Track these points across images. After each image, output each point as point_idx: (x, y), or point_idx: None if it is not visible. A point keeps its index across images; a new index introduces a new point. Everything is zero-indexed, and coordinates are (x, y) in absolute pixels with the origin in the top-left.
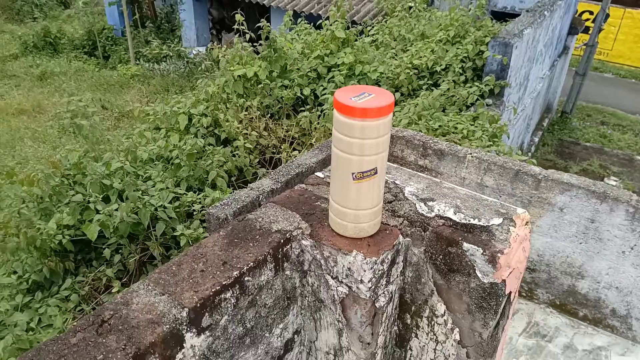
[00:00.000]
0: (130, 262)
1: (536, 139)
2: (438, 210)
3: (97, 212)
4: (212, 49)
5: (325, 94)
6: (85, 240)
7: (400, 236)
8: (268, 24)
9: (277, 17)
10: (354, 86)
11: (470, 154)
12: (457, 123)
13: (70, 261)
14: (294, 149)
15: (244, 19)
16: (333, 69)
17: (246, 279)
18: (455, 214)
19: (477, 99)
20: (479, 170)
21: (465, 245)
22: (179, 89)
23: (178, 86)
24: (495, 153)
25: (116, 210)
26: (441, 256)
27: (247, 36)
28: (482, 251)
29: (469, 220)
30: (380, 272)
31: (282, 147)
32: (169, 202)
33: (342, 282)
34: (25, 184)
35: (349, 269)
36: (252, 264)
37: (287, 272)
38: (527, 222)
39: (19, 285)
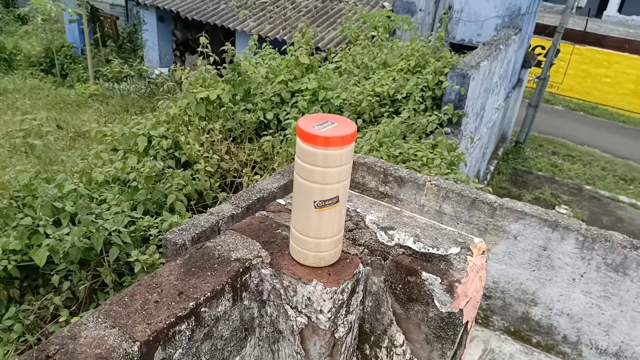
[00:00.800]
0: (80, 289)
1: (492, 168)
2: (398, 239)
3: (47, 236)
4: (175, 70)
5: (288, 118)
6: (32, 266)
7: (361, 265)
8: (233, 47)
9: (242, 41)
10: (317, 114)
11: (430, 181)
12: (417, 150)
13: (15, 288)
14: (256, 173)
15: (208, 41)
16: (297, 94)
17: (202, 310)
18: (415, 242)
19: (437, 127)
20: (437, 197)
21: (424, 274)
22: (139, 110)
23: (138, 107)
24: (454, 181)
25: (67, 234)
26: (400, 285)
27: (211, 59)
28: (440, 280)
29: (428, 250)
30: (340, 302)
31: (244, 171)
32: (124, 226)
33: (301, 312)
34: None
35: (309, 298)
36: (209, 294)
37: (246, 302)
38: (483, 252)
39: None
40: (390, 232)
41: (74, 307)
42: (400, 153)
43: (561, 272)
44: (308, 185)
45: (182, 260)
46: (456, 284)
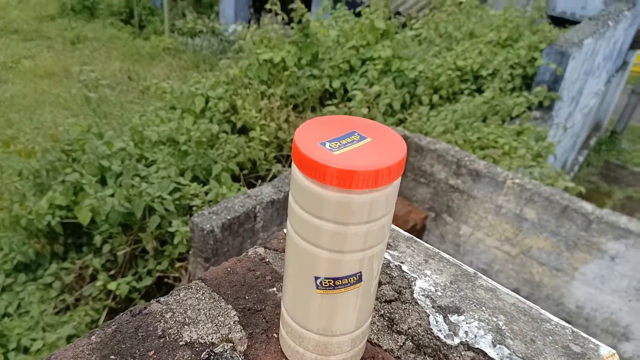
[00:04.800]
0: (120, 254)
1: (581, 158)
2: (465, 332)
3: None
4: (243, 28)
5: (355, 88)
6: (77, 224)
7: None
8: (303, 5)
9: (318, 0)
10: (336, 117)
11: (512, 179)
12: (498, 136)
13: (59, 244)
14: None
15: None
16: (368, 62)
17: None
18: (495, 345)
19: (524, 111)
20: (519, 199)
21: None
22: (209, 67)
23: (209, 64)
24: (539, 176)
25: (111, 195)
26: None
27: (280, 17)
28: None
29: None
30: None
31: None
32: (170, 192)
33: None
34: (23, 155)
35: None
36: None
37: None
38: None
39: (2, 265)
40: (454, 317)
41: (114, 271)
42: (478, 138)
43: None
44: (307, 249)
45: (100, 337)
46: None
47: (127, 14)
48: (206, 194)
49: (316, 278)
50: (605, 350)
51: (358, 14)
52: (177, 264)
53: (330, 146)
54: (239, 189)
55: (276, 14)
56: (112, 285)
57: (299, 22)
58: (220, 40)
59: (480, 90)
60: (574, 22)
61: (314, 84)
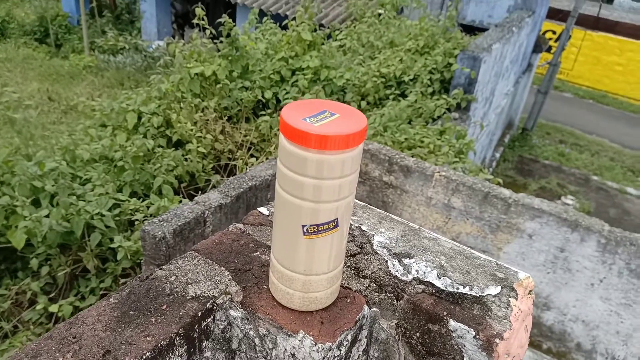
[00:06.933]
0: (60, 275)
1: (497, 155)
2: (417, 271)
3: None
4: (169, 43)
5: (287, 98)
6: (10, 248)
7: (366, 307)
8: (230, 19)
9: (243, 15)
10: (311, 100)
11: (439, 172)
12: (423, 137)
13: None
14: (252, 156)
15: (205, 13)
16: (297, 73)
17: None
18: (440, 277)
19: (444, 112)
20: (446, 190)
21: (452, 323)
22: (134, 84)
23: (134, 80)
24: (462, 171)
25: (46, 216)
26: (418, 334)
27: (208, 32)
28: (474, 333)
29: (457, 288)
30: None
31: (239, 153)
32: (109, 209)
33: None
34: None
35: (293, 355)
36: (149, 354)
37: (207, 354)
38: (530, 291)
39: None
40: (407, 260)
41: (54, 294)
42: (405, 139)
43: (579, 276)
44: (294, 203)
45: (117, 299)
46: (496, 340)
47: (42, 33)
48: (147, 207)
49: (303, 226)
50: (522, 275)
51: (284, 27)
52: (122, 280)
53: (310, 120)
54: (180, 202)
55: (204, 29)
56: (53, 308)
57: (228, 35)
58: (144, 57)
59: (404, 95)
60: (483, 29)
61: (247, 95)
